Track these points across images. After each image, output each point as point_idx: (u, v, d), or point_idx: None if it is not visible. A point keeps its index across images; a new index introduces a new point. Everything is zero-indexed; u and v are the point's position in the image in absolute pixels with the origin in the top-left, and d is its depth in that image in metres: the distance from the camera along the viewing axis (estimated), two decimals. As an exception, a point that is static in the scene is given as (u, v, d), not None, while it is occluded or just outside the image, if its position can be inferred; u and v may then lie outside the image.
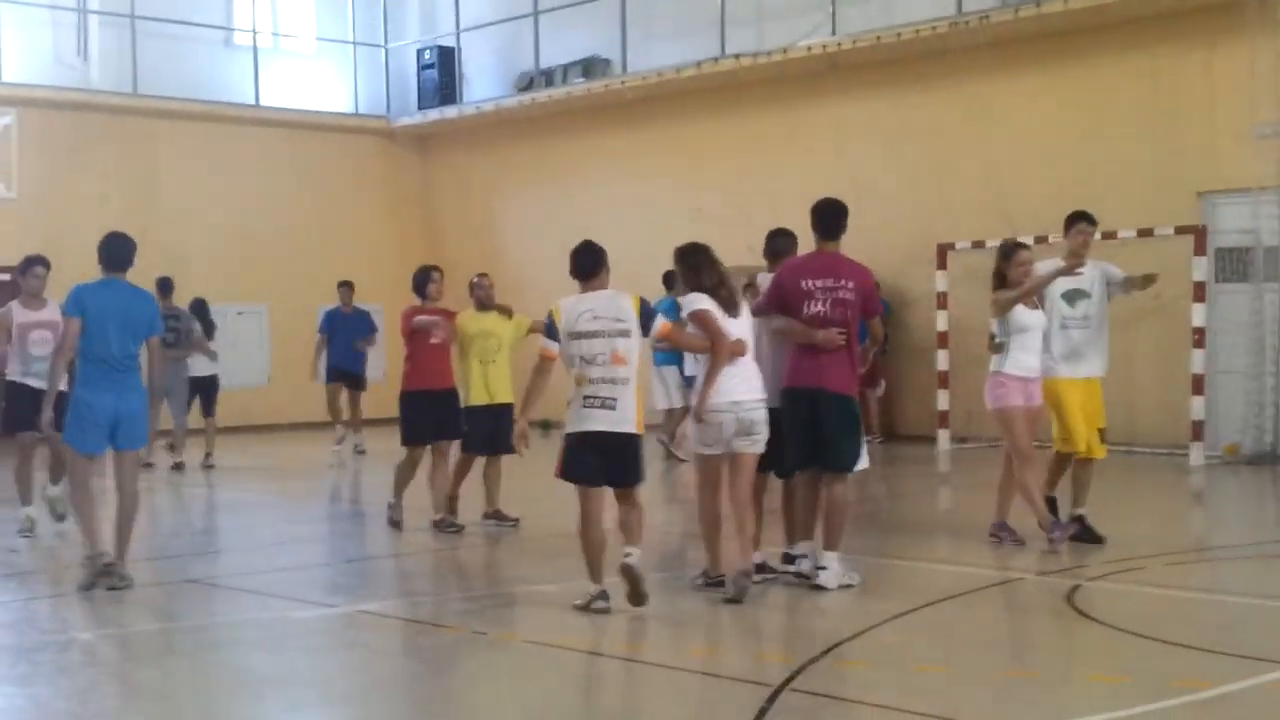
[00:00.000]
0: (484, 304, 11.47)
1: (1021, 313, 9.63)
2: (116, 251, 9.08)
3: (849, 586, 8.48)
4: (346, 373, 17.67)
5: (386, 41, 24.58)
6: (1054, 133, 17.45)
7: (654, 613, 7.92)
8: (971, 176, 17.95)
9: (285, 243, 22.74)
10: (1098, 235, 16.11)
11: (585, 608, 7.93)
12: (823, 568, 8.44)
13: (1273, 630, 7.77)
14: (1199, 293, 15.23)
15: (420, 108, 23.98)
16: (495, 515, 11.42)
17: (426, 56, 23.91)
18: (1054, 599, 8.27)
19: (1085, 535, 9.85)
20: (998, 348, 9.72)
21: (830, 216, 8.58)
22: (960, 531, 11.11)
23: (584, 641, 7.50)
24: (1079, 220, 10.26)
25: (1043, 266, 9.91)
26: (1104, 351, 10.18)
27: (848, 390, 8.40)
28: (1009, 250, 9.83)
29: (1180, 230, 15.55)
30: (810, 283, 8.35)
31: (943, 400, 17.26)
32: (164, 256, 19.78)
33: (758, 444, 8.25)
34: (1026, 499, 9.81)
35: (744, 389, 8.15)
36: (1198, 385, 15.22)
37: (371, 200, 24.07)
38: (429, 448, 11.43)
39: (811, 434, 8.35)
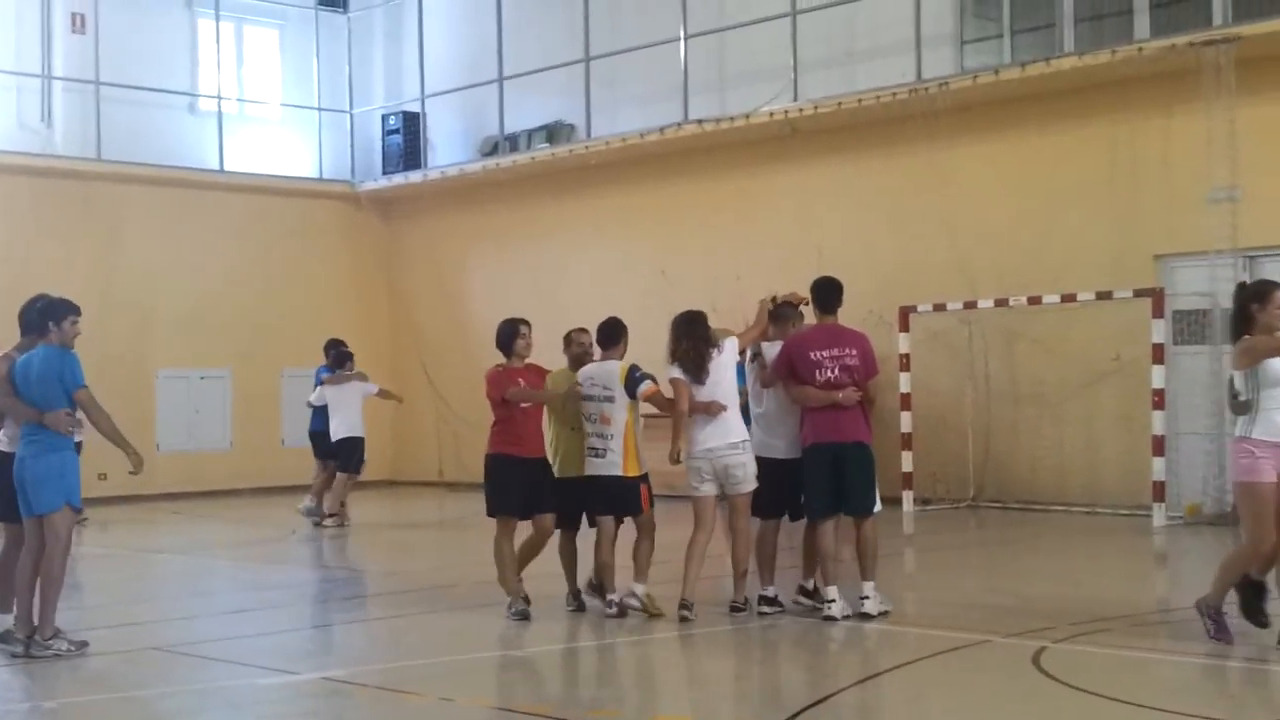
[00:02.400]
0: (581, 362, 10.16)
1: (1277, 365, 8.06)
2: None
3: (886, 613, 9.49)
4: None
5: (352, 107, 24.69)
6: (1014, 197, 17.67)
7: (623, 666, 7.92)
8: (933, 240, 18.13)
9: (248, 307, 22.70)
10: (1056, 298, 16.58)
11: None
12: (866, 597, 9.47)
13: (1234, 690, 7.82)
14: (1158, 355, 15.42)
15: (385, 173, 24.07)
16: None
17: (391, 122, 24.04)
18: (1020, 661, 8.29)
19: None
20: (1243, 407, 8.18)
21: (828, 294, 9.74)
22: (926, 594, 11.15)
23: (552, 706, 7.49)
24: None
25: None
26: None
27: (867, 439, 9.59)
28: (1262, 291, 8.22)
29: (1139, 293, 15.75)
30: (818, 354, 9.48)
31: (907, 462, 17.33)
32: (127, 321, 19.78)
33: (741, 485, 9.56)
34: (1222, 578, 8.48)
35: (716, 438, 9.48)
36: (1158, 446, 15.36)
37: (336, 265, 24.07)
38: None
39: (834, 484, 9.42)
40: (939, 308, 17.47)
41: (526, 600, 9.93)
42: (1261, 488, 7.99)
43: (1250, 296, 8.14)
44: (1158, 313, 15.45)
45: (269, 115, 24.26)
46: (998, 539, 15.30)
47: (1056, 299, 16.61)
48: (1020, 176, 17.69)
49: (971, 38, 18.61)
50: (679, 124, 19.96)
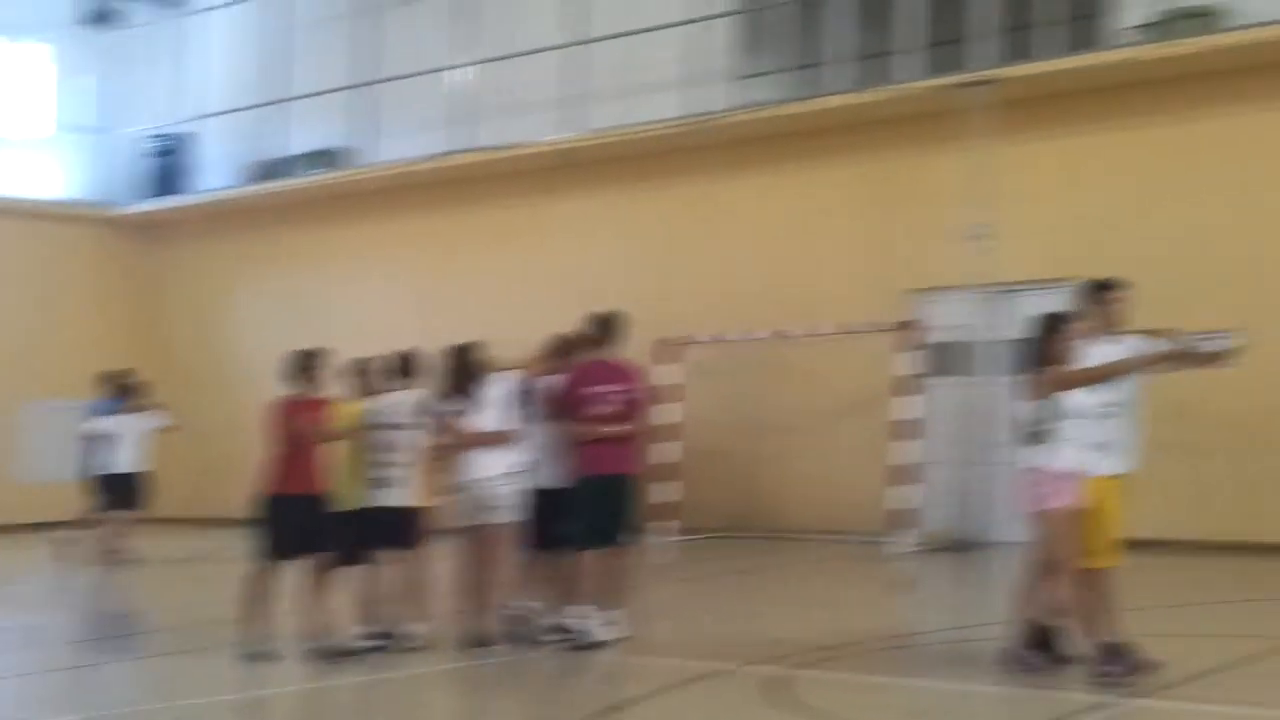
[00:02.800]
0: (370, 392, 9.81)
1: (1075, 396, 8.02)
2: None
3: (624, 640, 9.48)
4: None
5: (111, 128, 23.71)
6: (779, 231, 17.93)
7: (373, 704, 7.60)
8: (704, 272, 18.24)
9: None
10: (821, 330, 16.81)
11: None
12: (612, 624, 9.49)
13: (963, 715, 7.88)
14: (911, 386, 15.77)
15: (147, 196, 23.22)
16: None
17: (156, 144, 23.23)
18: (762, 689, 8.22)
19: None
20: (1039, 437, 8.08)
21: (608, 328, 9.84)
22: (676, 623, 11.09)
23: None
24: (1115, 286, 8.37)
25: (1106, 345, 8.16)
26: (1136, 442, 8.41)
27: (637, 471, 9.83)
28: (1059, 323, 8.14)
29: (896, 326, 16.08)
30: (595, 388, 9.60)
31: (674, 492, 17.32)
32: None
33: (507, 516, 9.53)
34: (1082, 621, 8.20)
35: (487, 469, 9.48)
36: (906, 475, 15.71)
37: (86, 292, 23.11)
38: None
39: (605, 515, 9.57)
40: (710, 340, 17.56)
41: (268, 642, 9.41)
42: (1064, 513, 7.99)
43: (1045, 329, 8.13)
44: (913, 345, 15.80)
45: (29, 137, 23.20)
46: (753, 567, 15.37)
47: (822, 331, 16.84)
48: (790, 211, 17.93)
49: (747, 74, 18.81)
50: (453, 152, 19.73)
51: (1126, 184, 15.78)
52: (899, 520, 15.77)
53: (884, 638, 10.24)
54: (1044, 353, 8.08)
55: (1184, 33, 15.04)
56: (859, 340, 16.54)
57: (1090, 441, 8.00)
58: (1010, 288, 16.13)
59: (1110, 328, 8.19)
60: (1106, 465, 8.06)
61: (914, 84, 16.64)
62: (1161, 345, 8.28)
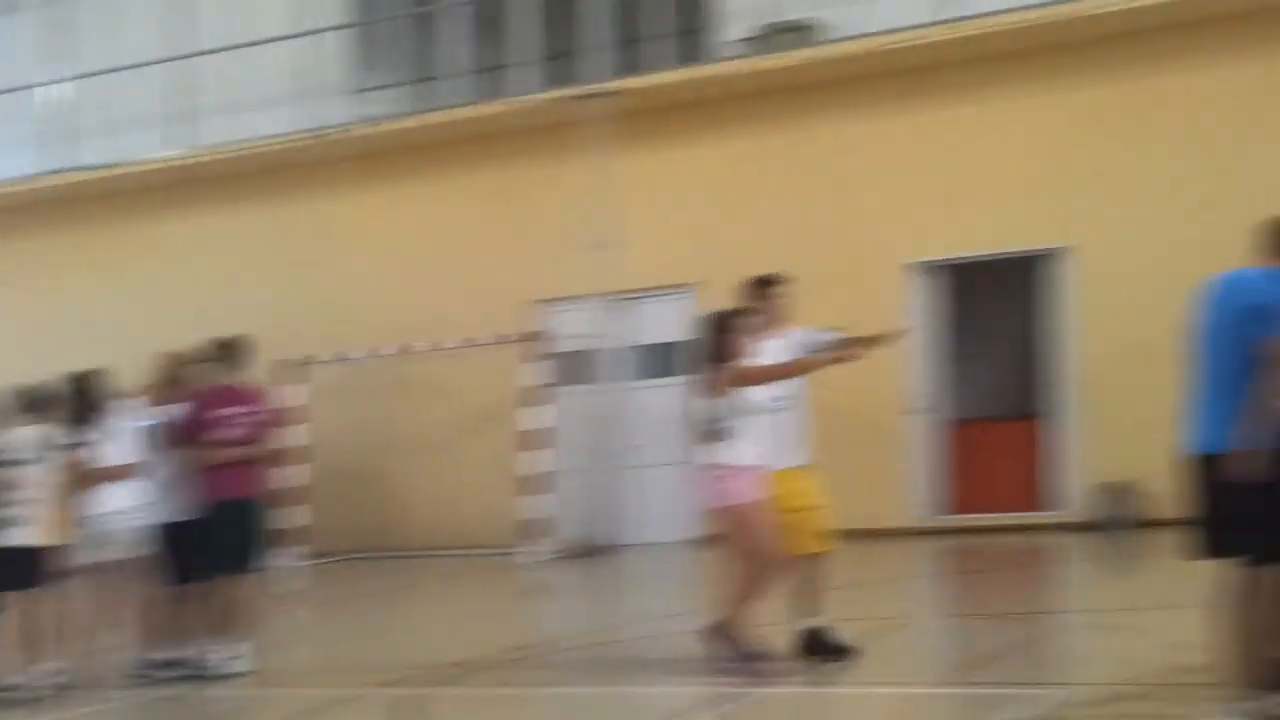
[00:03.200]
0: None
1: (753, 393, 8.03)
2: None
3: (257, 669, 9.22)
4: None
5: None
6: (404, 245, 17.73)
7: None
8: (326, 290, 17.84)
9: None
10: (450, 344, 16.69)
11: None
12: (237, 657, 9.24)
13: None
14: (541, 396, 15.84)
15: None
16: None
17: None
18: (386, 713, 8.02)
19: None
20: (717, 435, 7.99)
21: (230, 351, 9.67)
22: (307, 650, 10.77)
23: None
24: (776, 281, 8.41)
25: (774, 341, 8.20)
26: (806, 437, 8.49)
27: (262, 495, 9.61)
28: (730, 320, 8.10)
29: (524, 337, 16.16)
30: (219, 413, 9.43)
31: (304, 516, 16.85)
32: None
33: (131, 551, 9.20)
34: (736, 603, 8.10)
35: (104, 504, 9.17)
36: (537, 485, 15.81)
37: None
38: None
39: (241, 539, 9.38)
40: (332, 359, 17.19)
41: None
42: (751, 507, 7.90)
43: (718, 327, 8.04)
44: (541, 356, 15.88)
45: None
46: (386, 588, 15.11)
47: (449, 345, 16.73)
48: (414, 225, 17.76)
49: (362, 88, 18.52)
50: (50, 172, 18.69)
51: (738, 190, 16.29)
52: (531, 530, 15.84)
53: (518, 648, 10.18)
54: (717, 350, 7.99)
55: (783, 46, 15.70)
56: (486, 353, 16.52)
57: (769, 436, 7.99)
58: (634, 295, 16.47)
59: (776, 323, 8.24)
60: (785, 459, 8.10)
61: (534, 96, 16.78)
62: (829, 338, 8.29)
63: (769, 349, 8.08)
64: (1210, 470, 5.79)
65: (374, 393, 17.57)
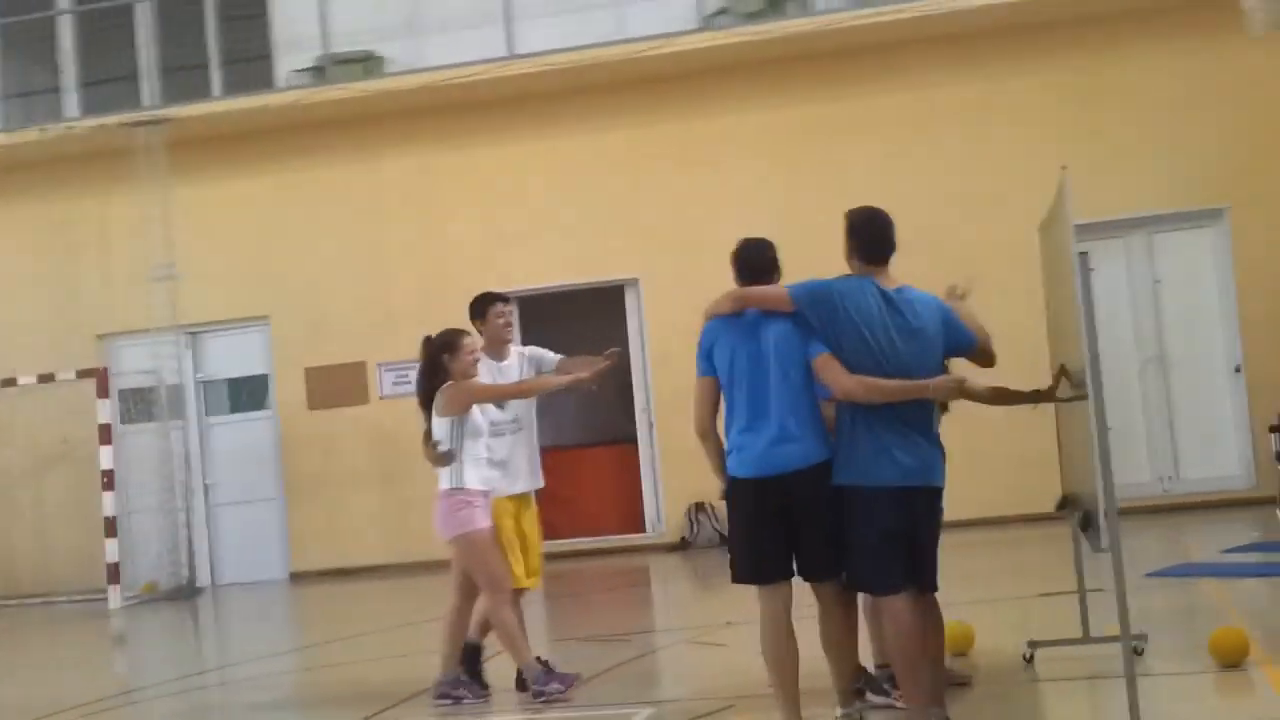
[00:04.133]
0: None
1: (479, 415, 7.84)
2: None
3: None
4: None
5: None
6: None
7: None
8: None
9: None
10: (19, 379, 15.69)
11: None
12: None
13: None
14: (105, 435, 15.29)
15: None
16: None
17: None
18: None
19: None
20: (446, 458, 7.73)
21: None
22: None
23: None
24: (496, 301, 8.25)
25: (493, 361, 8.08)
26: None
27: None
28: (452, 341, 7.82)
29: (82, 374, 15.51)
30: None
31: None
32: None
33: None
34: (509, 644, 7.99)
35: None
36: (111, 528, 15.20)
37: None
38: None
39: None
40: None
41: None
42: (484, 534, 7.76)
43: (441, 348, 7.81)
44: (102, 393, 15.30)
45: None
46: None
47: (22, 381, 15.83)
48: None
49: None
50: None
51: (304, 222, 16.20)
52: (111, 574, 15.12)
53: (107, 698, 9.89)
54: (441, 372, 7.77)
55: (344, 77, 15.78)
56: (54, 390, 15.79)
57: (492, 460, 7.87)
58: (199, 328, 16.18)
59: (497, 343, 8.16)
60: (507, 485, 8.00)
61: (80, 123, 16.22)
62: (555, 359, 8.23)
63: (491, 369, 8.00)
64: (761, 493, 6.26)
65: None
